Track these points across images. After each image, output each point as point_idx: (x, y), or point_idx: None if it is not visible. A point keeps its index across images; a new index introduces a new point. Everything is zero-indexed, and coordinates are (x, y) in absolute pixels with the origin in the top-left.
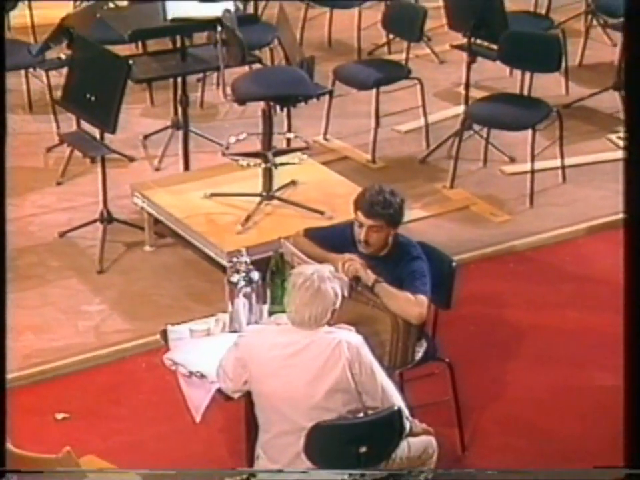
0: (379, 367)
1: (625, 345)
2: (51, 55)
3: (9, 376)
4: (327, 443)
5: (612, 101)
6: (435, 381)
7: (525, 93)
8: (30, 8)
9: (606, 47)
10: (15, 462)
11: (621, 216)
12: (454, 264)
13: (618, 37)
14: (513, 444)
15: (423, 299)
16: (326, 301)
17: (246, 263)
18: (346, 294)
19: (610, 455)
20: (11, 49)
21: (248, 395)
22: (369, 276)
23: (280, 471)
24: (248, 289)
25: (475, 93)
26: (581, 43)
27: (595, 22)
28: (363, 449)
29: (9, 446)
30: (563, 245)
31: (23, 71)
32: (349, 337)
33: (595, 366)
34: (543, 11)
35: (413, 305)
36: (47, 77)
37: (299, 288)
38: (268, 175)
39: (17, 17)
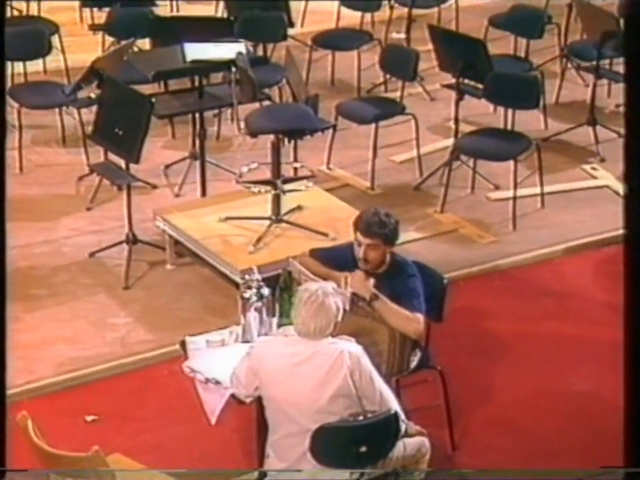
0: (377, 374)
1: (624, 349)
2: (82, 94)
3: (43, 382)
4: (330, 443)
5: (585, 135)
6: (428, 387)
7: (508, 127)
8: (63, 53)
9: (579, 87)
10: (49, 459)
11: (594, 238)
12: (445, 281)
13: (590, 78)
14: (498, 443)
15: (420, 317)
16: (329, 314)
17: (257, 280)
18: (347, 308)
19: (586, 452)
20: (47, 89)
21: (259, 400)
22: (371, 291)
23: (299, 471)
24: (259, 304)
25: (463, 127)
26: (557, 83)
27: (569, 65)
28: (363, 449)
29: (44, 445)
30: (543, 264)
31: (57, 109)
32: (350, 347)
33: (572, 372)
34: (523, 55)
35: (412, 322)
36: (79, 114)
37: (305, 302)
38: (277, 201)
39: (52, 61)
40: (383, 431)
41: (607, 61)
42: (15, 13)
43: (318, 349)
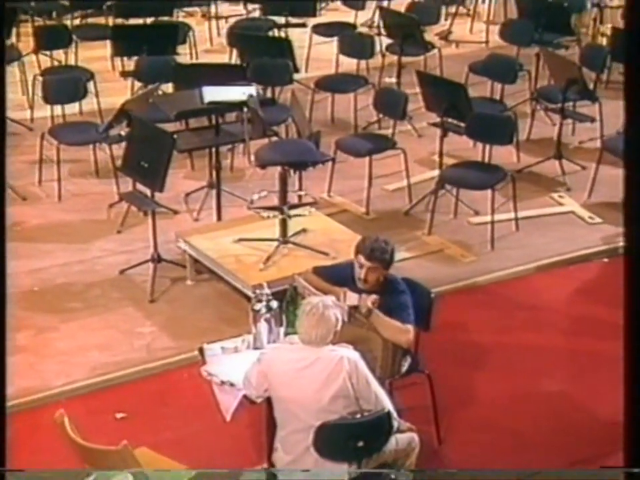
0: (373, 378)
1: (624, 356)
2: (113, 132)
3: (78, 384)
4: (331, 438)
5: (553, 168)
6: (417, 389)
7: (486, 160)
8: (97, 96)
9: (547, 126)
10: (83, 452)
11: (562, 257)
12: (432, 295)
13: (556, 118)
14: (478, 438)
15: (410, 328)
16: (329, 324)
17: (267, 294)
18: (345, 319)
19: (555, 445)
20: (82, 128)
21: (268, 400)
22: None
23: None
24: (268, 315)
25: (447, 160)
26: (528, 123)
27: (538, 106)
28: (360, 444)
29: (79, 439)
30: (517, 280)
31: (91, 145)
32: (349, 353)
33: (543, 376)
34: (499, 97)
35: (403, 333)
36: (110, 149)
37: (308, 314)
38: (284, 224)
39: (88, 104)
40: (377, 428)
41: (571, 104)
42: (56, 63)
43: (320, 355)
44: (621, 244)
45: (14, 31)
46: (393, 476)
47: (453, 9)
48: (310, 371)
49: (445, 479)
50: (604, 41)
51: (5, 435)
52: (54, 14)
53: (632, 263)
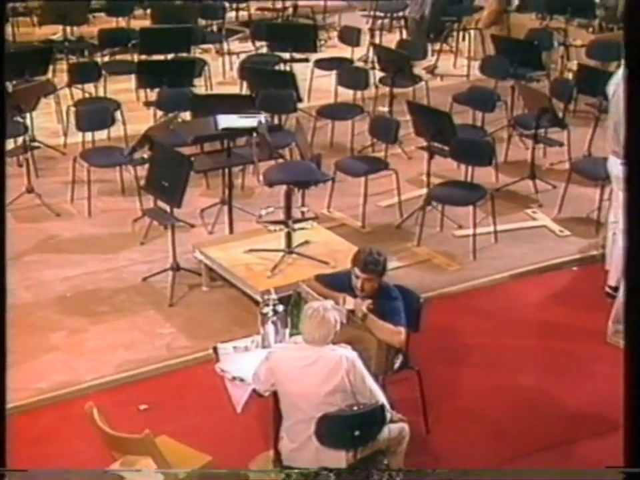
0: (368, 374)
1: (624, 357)
2: (137, 155)
3: (106, 379)
4: (331, 428)
5: (527, 187)
6: (408, 384)
7: (468, 180)
8: (124, 124)
9: (522, 150)
10: (109, 440)
11: (535, 266)
12: (421, 300)
13: (530, 143)
14: (462, 427)
15: (402, 329)
16: (329, 325)
17: (274, 299)
18: (344, 321)
19: (529, 431)
20: (110, 152)
21: (274, 394)
22: (362, 311)
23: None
24: (275, 318)
25: (434, 180)
26: (505, 147)
27: (514, 132)
28: (357, 433)
29: (106, 428)
30: (497, 287)
31: (118, 167)
32: (347, 353)
33: (519, 372)
34: (479, 124)
35: (395, 334)
36: (135, 170)
37: (310, 316)
38: (289, 237)
39: (115, 130)
40: (372, 419)
41: (543, 130)
42: (87, 95)
43: (321, 354)
44: (588, 254)
45: (50, 67)
46: (386, 461)
47: (437, 46)
48: (312, 368)
49: (436, 478)
50: (570, 76)
51: (5, 435)
52: (85, 52)
53: (631, 263)
